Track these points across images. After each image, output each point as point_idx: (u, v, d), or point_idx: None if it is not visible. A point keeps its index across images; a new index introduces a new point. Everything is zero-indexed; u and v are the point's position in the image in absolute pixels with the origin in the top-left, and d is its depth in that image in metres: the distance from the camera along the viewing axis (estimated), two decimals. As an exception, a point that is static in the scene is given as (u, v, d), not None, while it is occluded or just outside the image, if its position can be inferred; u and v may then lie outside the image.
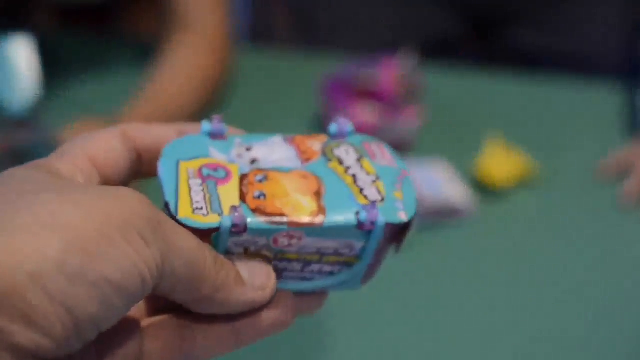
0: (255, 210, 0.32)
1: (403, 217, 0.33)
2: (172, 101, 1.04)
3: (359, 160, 0.36)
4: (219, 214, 0.32)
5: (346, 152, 0.36)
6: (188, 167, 0.34)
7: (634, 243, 0.96)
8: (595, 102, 1.18)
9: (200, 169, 0.34)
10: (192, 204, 0.32)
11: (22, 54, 0.86)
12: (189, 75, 1.07)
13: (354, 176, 0.35)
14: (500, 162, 1.01)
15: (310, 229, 0.33)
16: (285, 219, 0.32)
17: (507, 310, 0.87)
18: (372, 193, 0.34)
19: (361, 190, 0.35)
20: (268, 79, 1.20)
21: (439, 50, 1.25)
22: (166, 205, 0.32)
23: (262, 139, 0.36)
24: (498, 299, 0.89)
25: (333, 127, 0.37)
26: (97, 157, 0.33)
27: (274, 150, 0.36)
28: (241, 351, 0.81)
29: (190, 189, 0.33)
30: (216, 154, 0.34)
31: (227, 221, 0.31)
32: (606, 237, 0.97)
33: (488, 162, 1.01)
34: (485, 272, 0.92)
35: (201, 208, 0.32)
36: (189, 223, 0.31)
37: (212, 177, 0.33)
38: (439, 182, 0.97)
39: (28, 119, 0.86)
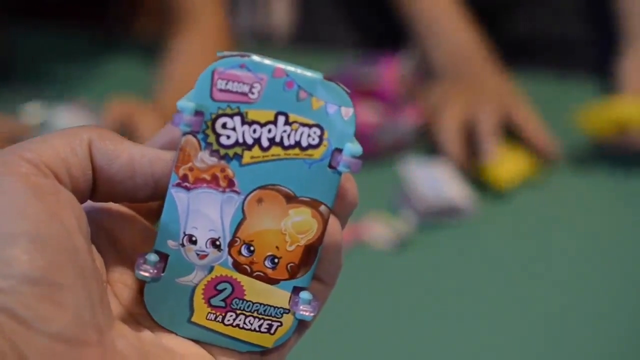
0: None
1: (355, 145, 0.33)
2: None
3: (244, 122, 0.33)
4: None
5: (231, 129, 0.33)
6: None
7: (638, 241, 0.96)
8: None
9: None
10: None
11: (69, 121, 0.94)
12: (205, 63, 1.07)
13: (280, 142, 0.33)
14: (504, 160, 1.01)
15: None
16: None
17: (509, 309, 0.87)
18: (313, 139, 0.33)
19: (307, 147, 0.33)
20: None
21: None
22: None
23: (173, 211, 0.33)
24: (499, 298, 0.88)
25: (183, 126, 0.33)
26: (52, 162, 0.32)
27: (203, 213, 0.33)
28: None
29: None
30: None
31: None
32: (609, 236, 0.97)
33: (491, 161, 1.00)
34: (486, 272, 0.91)
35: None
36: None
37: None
38: (439, 182, 0.96)
39: None
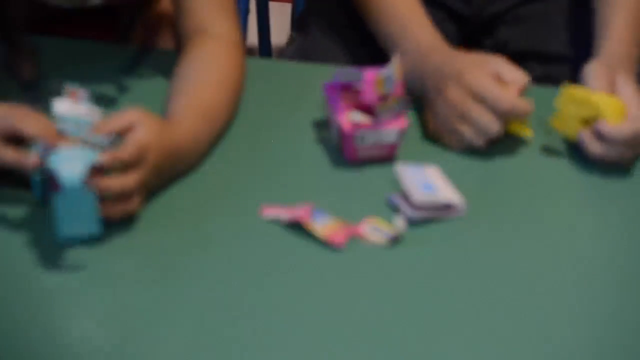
0: None
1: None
2: (210, 103, 1.04)
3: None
4: None
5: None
6: None
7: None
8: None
9: None
10: None
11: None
12: (220, 77, 1.07)
13: None
14: None
15: None
16: None
17: (503, 308, 0.87)
18: None
19: None
20: (271, 84, 1.19)
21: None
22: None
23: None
24: (493, 296, 0.88)
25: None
26: None
27: None
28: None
29: None
30: None
31: None
32: (609, 235, 0.98)
33: None
34: (479, 270, 0.91)
35: None
36: None
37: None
38: (433, 182, 0.97)
39: None
